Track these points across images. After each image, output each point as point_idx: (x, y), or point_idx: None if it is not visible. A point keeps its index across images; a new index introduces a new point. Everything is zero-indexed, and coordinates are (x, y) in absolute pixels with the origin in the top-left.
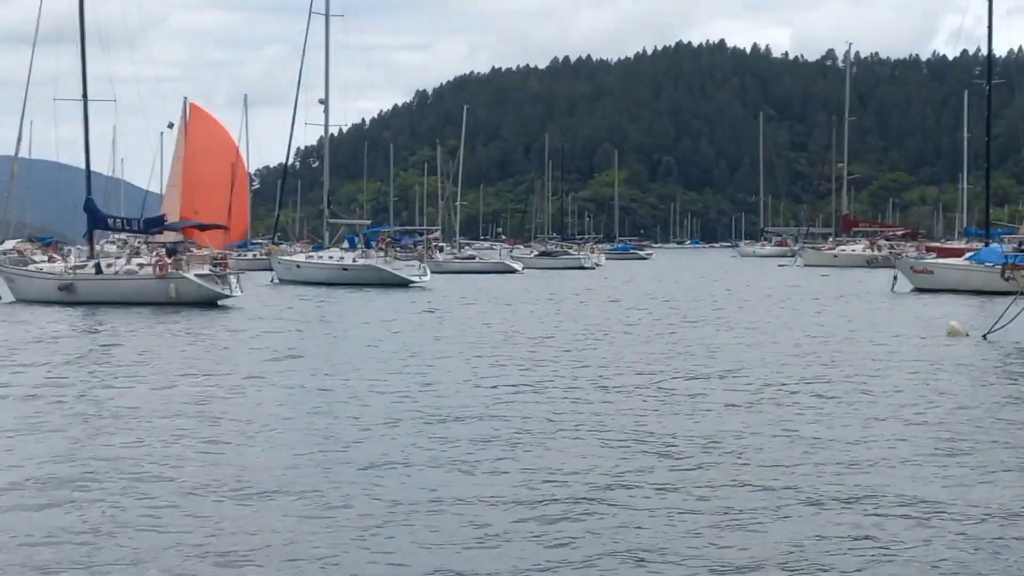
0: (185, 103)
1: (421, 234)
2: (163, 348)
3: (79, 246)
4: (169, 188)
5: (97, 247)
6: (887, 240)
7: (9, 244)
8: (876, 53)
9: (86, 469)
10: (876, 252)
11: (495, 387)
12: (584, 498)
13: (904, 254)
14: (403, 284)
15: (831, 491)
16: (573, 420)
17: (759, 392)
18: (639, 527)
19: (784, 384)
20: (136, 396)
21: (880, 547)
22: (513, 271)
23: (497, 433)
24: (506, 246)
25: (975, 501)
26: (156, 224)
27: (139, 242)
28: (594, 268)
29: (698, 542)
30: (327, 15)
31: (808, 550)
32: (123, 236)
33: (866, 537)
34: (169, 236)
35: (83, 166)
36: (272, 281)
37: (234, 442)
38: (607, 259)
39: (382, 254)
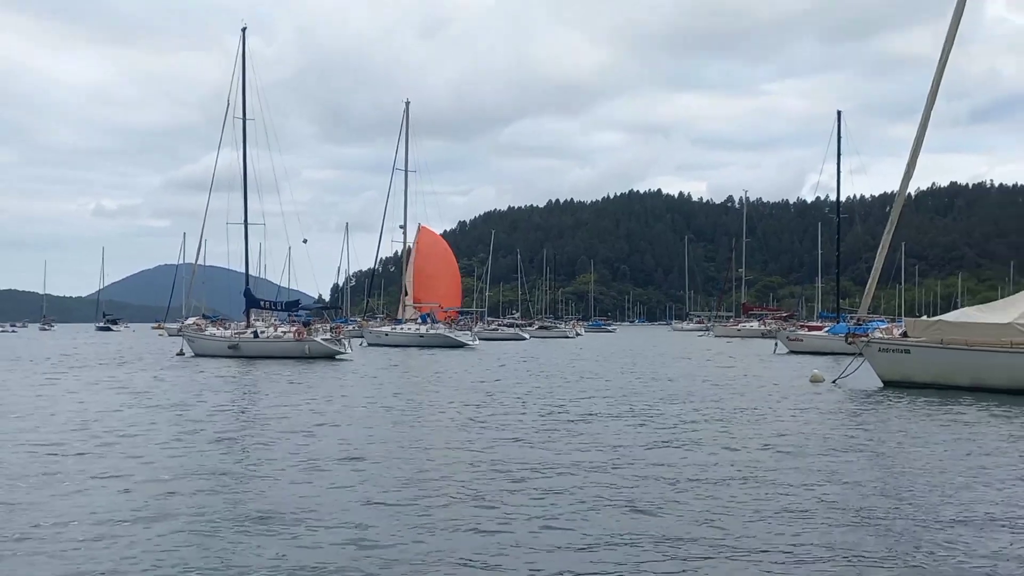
0: (418, 227)
1: (471, 314)
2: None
3: (236, 321)
4: (405, 287)
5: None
6: (773, 319)
7: (190, 320)
8: (760, 197)
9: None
10: (766, 327)
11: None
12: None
13: (783, 328)
14: (461, 346)
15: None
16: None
17: (699, 410)
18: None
19: (712, 409)
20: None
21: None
22: (523, 339)
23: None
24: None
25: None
26: (294, 306)
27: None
28: (575, 337)
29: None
30: (406, 171)
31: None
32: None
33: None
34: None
35: (241, 270)
36: (361, 345)
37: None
38: (586, 331)
39: (447, 326)
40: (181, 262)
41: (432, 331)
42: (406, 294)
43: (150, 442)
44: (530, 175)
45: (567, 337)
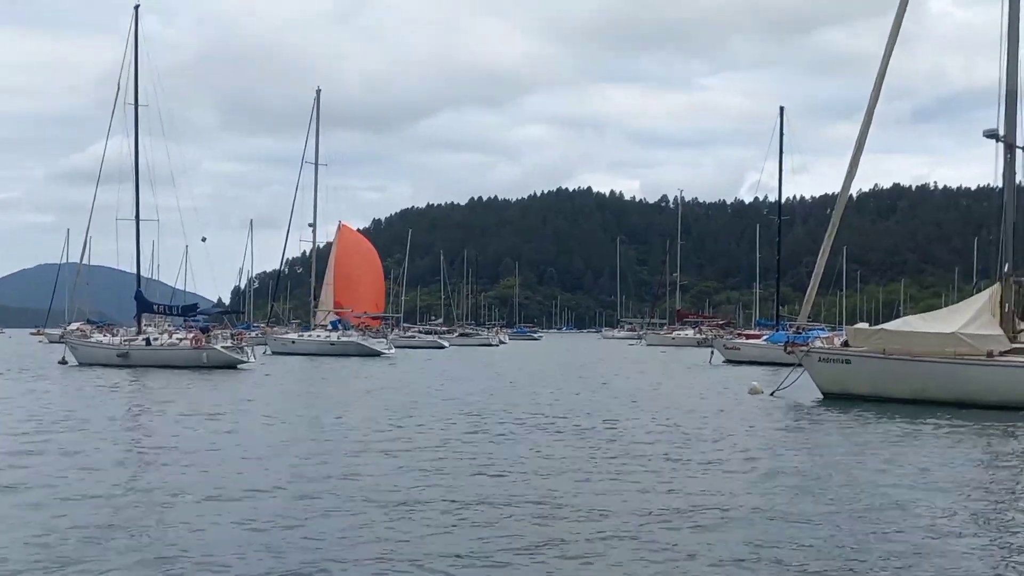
0: (339, 225)
1: (387, 320)
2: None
3: (126, 327)
4: (324, 286)
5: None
6: (709, 327)
7: (73, 325)
8: (696, 197)
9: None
10: (702, 335)
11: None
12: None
13: (719, 337)
14: (376, 354)
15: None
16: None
17: (642, 427)
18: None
19: (646, 425)
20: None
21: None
22: (442, 347)
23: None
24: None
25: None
26: (191, 310)
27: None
28: (499, 345)
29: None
30: (316, 164)
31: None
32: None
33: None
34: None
35: (131, 270)
36: (265, 353)
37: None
38: (511, 339)
39: (360, 333)
40: (64, 261)
41: (344, 338)
42: (315, 298)
43: (29, 467)
44: (451, 171)
45: (490, 345)
